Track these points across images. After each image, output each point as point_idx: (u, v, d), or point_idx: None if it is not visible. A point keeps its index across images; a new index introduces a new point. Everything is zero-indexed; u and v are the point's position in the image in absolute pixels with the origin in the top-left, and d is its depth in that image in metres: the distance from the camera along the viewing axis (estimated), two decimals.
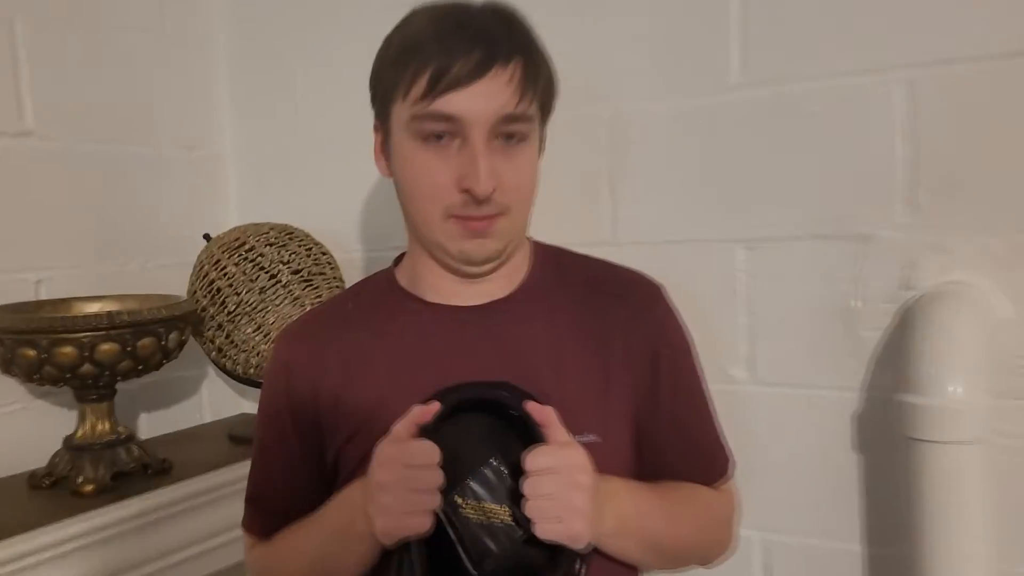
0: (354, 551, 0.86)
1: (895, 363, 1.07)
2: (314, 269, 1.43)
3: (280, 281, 1.40)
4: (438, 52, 0.83)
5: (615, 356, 0.93)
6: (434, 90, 0.83)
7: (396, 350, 0.93)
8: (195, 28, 1.67)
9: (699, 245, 1.25)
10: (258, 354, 1.42)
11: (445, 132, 0.85)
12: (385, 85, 0.89)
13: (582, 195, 1.33)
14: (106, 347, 1.18)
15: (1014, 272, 1.04)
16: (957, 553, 0.96)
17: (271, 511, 0.99)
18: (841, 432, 1.16)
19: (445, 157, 0.85)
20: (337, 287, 1.46)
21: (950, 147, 1.06)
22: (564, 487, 0.78)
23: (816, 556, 1.19)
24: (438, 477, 0.78)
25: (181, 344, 1.30)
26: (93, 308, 1.32)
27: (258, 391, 1.64)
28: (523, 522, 0.79)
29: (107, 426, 1.27)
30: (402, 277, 0.99)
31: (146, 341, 1.21)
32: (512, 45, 0.86)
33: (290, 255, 1.42)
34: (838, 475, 1.16)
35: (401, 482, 0.78)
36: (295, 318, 1.06)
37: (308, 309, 1.39)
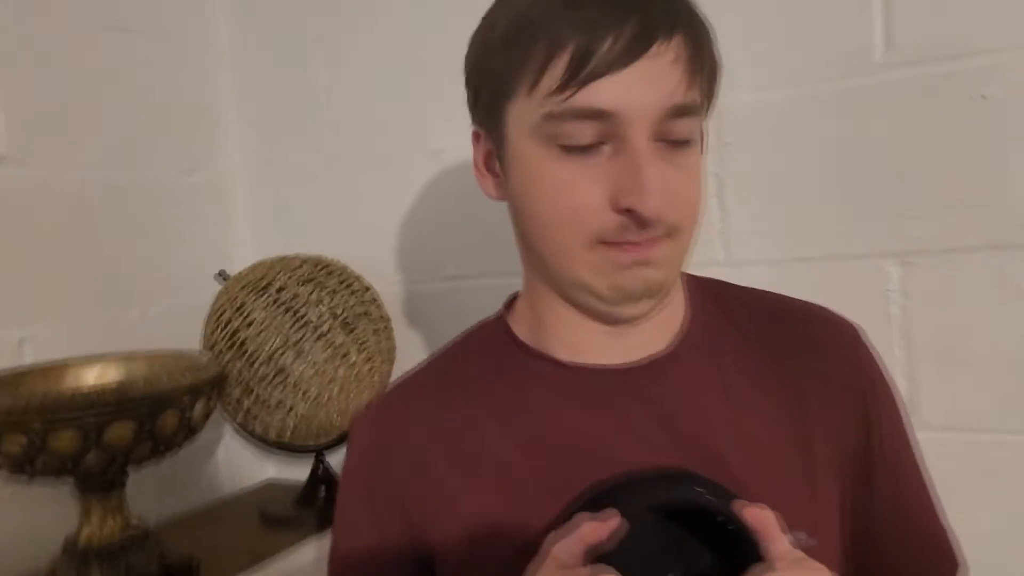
0: None
1: None
2: (358, 309, 1.18)
3: (315, 325, 1.16)
4: (576, 26, 0.61)
5: (814, 422, 0.71)
6: (577, 77, 0.61)
7: (523, 431, 0.70)
8: (195, 26, 1.44)
9: (837, 263, 1.04)
10: (291, 410, 1.18)
11: (592, 135, 0.63)
12: (496, 77, 0.67)
13: None
14: (117, 428, 0.92)
15: None
16: None
17: None
18: None
19: (592, 167, 0.64)
20: (384, 327, 1.22)
21: None
22: None
23: None
24: None
25: (207, 415, 1.05)
26: (91, 373, 1.06)
27: (290, 456, 1.40)
28: None
29: (118, 521, 1.00)
30: (520, 329, 0.76)
31: (168, 417, 0.95)
32: (673, 12, 0.64)
33: (328, 294, 1.17)
34: None
35: None
36: (378, 393, 0.82)
37: (355, 359, 1.15)
